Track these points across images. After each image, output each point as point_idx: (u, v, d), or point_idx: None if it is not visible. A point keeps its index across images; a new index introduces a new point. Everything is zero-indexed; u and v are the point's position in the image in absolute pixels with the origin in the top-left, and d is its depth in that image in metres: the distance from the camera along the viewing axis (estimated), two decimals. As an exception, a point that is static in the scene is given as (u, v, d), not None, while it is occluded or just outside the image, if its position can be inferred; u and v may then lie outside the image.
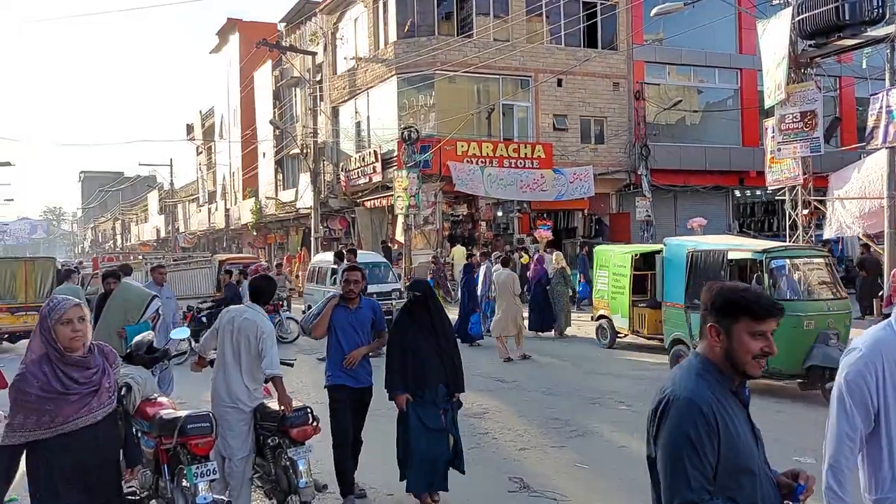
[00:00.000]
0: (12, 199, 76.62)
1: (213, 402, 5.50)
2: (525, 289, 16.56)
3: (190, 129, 55.62)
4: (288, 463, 5.29)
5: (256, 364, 5.39)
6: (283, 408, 5.32)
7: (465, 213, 24.83)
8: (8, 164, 43.38)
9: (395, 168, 23.46)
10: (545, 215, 25.31)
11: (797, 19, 14.67)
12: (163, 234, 58.99)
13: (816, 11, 14.38)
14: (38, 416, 3.38)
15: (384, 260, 18.52)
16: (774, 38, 15.19)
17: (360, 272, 6.17)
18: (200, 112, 53.32)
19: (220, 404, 5.41)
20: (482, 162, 23.35)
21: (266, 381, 5.59)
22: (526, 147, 24.53)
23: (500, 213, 25.33)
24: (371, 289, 14.15)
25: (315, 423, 5.46)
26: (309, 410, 5.47)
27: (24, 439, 3.43)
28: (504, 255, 15.17)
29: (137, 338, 6.27)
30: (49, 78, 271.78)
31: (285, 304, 17.15)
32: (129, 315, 7.97)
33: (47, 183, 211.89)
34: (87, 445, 3.49)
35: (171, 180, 56.87)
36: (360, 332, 5.98)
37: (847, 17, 14.15)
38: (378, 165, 25.08)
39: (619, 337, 13.93)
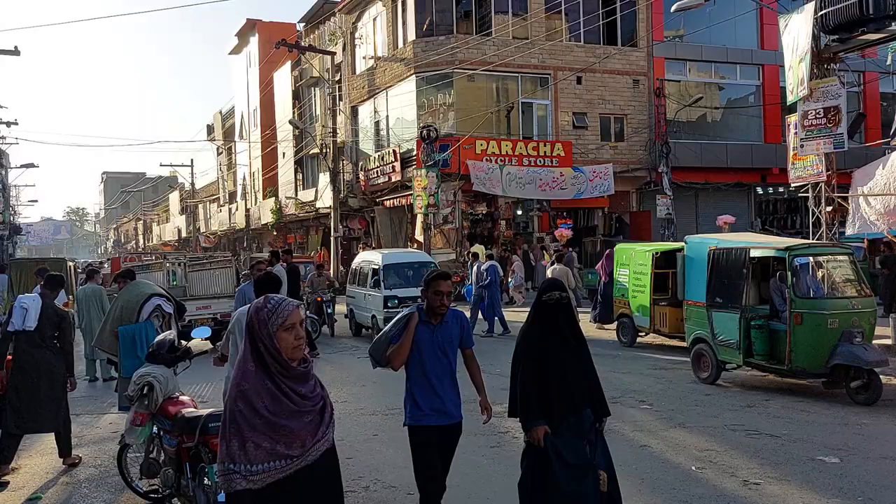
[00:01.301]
0: (36, 201, 77.78)
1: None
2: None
3: (210, 129, 56.02)
4: None
5: None
6: None
7: (484, 212, 24.81)
8: (32, 165, 44.03)
9: (414, 167, 23.48)
10: (565, 214, 25.22)
11: (820, 14, 14.49)
12: (184, 234, 59.47)
13: (840, 5, 14.19)
14: (272, 443, 2.81)
15: (430, 259, 16.88)
16: (797, 33, 15.01)
17: (450, 280, 4.86)
18: (220, 113, 53.68)
19: None
20: (501, 160, 23.31)
21: None
22: (545, 145, 24.45)
23: (519, 212, 25.28)
24: (412, 292, 14.00)
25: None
26: None
27: (263, 481, 2.81)
28: (560, 251, 15.42)
29: (159, 337, 6.33)
30: (72, 80, 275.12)
31: (331, 305, 16.94)
32: (126, 316, 8.07)
33: (70, 184, 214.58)
34: (316, 483, 2.97)
35: (192, 181, 57.43)
36: (448, 353, 4.80)
37: (871, 11, 13.93)
38: (397, 164, 25.11)
39: (640, 335, 13.84)
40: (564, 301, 4.53)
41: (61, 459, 7.38)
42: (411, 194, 23.55)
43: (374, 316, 14.94)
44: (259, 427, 2.78)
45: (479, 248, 22.26)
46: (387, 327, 4.85)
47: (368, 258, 16.48)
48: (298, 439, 2.86)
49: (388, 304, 14.33)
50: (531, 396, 4.47)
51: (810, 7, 14.58)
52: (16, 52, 29.52)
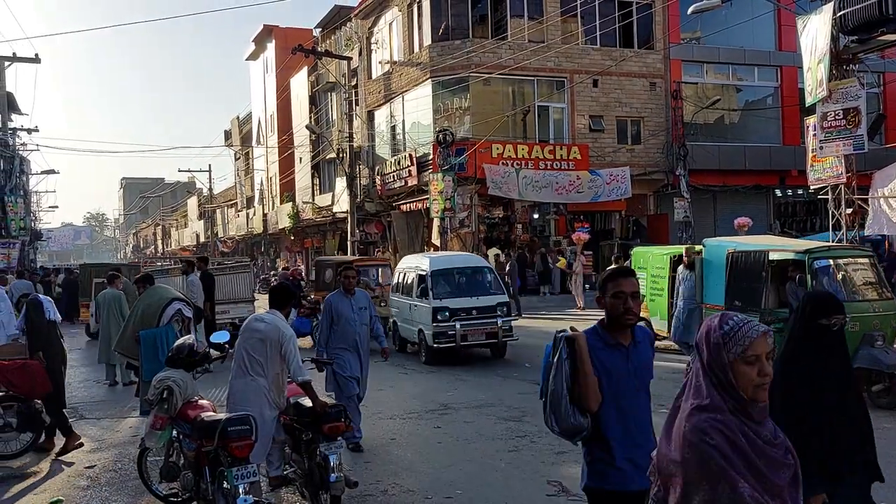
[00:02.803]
0: (57, 206, 78.61)
1: (229, 405, 5.62)
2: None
3: (228, 135, 56.40)
4: (320, 458, 5.37)
5: (282, 367, 5.49)
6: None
7: (500, 216, 24.79)
8: (53, 171, 44.49)
9: (430, 171, 23.51)
10: (582, 217, 25.15)
11: (839, 14, 14.36)
12: (202, 239, 59.89)
13: (859, 6, 14.06)
14: (762, 495, 2.10)
15: (485, 263, 14.78)
16: (815, 34, 14.89)
17: (635, 278, 3.47)
18: (238, 118, 54.04)
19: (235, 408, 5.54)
20: (517, 164, 23.29)
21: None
22: (562, 149, 24.40)
23: (536, 216, 25.23)
24: (465, 303, 12.68)
25: (347, 421, 5.55)
26: (342, 408, 5.56)
27: None
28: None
29: (178, 341, 6.38)
30: (91, 87, 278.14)
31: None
32: (147, 320, 8.20)
33: (90, 190, 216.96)
34: None
35: (210, 186, 57.82)
36: (646, 384, 3.36)
37: (891, 12, 13.77)
38: (413, 169, 25.16)
39: (658, 339, 13.77)
40: (840, 332, 3.48)
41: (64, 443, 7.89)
42: (428, 198, 23.58)
43: (421, 330, 13.14)
44: (745, 470, 2.12)
45: (494, 252, 22.30)
46: (545, 363, 3.31)
47: (413, 263, 14.35)
48: (781, 500, 2.17)
49: (438, 317, 12.50)
50: (814, 453, 3.25)
51: (829, 8, 14.46)
52: (36, 59, 29.93)
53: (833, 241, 14.82)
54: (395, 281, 14.91)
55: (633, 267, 14.67)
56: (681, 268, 12.14)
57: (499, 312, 12.72)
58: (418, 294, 13.22)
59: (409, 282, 13.83)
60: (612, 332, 3.30)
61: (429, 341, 12.63)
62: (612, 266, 4.22)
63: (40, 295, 9.97)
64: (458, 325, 12.39)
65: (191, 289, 13.00)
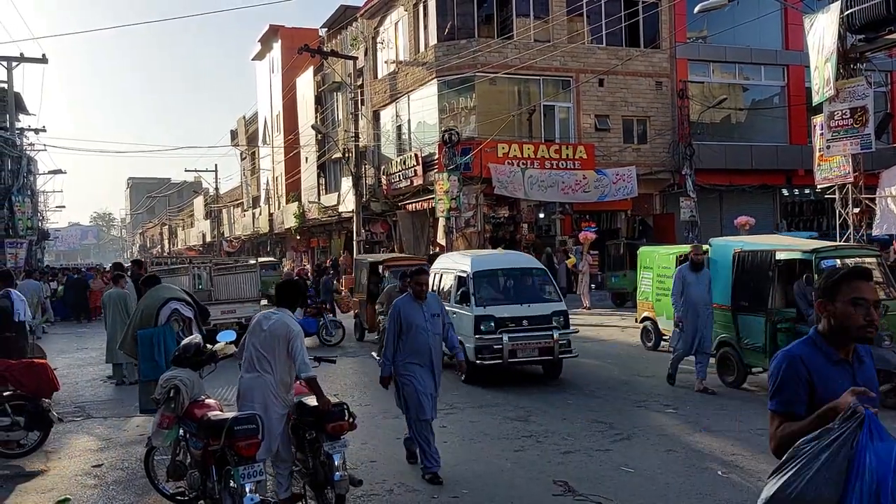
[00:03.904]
0: (64, 206, 78.97)
1: (239, 402, 5.59)
2: None
3: (234, 135, 56.52)
4: (324, 457, 5.38)
5: (289, 365, 5.49)
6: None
7: (506, 216, 24.77)
8: (60, 171, 44.67)
9: (436, 171, 23.51)
10: (588, 217, 25.11)
11: (846, 13, 14.33)
12: (208, 239, 60.04)
13: (866, 4, 14.02)
14: None
15: (538, 264, 12.51)
16: (822, 32, 14.86)
17: (873, 281, 2.94)
18: (244, 118, 54.14)
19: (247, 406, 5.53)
20: (523, 163, 23.27)
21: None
22: (567, 148, 24.37)
23: (541, 215, 25.21)
24: (514, 311, 10.76)
25: (351, 420, 5.53)
26: (345, 406, 5.55)
27: None
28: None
29: (185, 340, 6.40)
30: (97, 87, 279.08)
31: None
32: (145, 321, 8.27)
33: (96, 190, 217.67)
34: None
35: (217, 186, 57.98)
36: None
37: (898, 10, 13.76)
38: (419, 168, 25.16)
39: (664, 339, 13.74)
40: None
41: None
42: (433, 198, 23.58)
43: (460, 342, 9.86)
44: None
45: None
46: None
47: (451, 263, 12.32)
48: None
49: (482, 328, 10.56)
50: None
51: (836, 6, 14.42)
52: (44, 59, 30.02)
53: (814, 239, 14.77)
54: (432, 283, 12.36)
55: (639, 266, 14.67)
56: (683, 269, 10.38)
57: (555, 323, 10.70)
58: (457, 299, 11.23)
59: (446, 285, 11.97)
60: (837, 345, 2.77)
61: (470, 356, 10.22)
62: (846, 267, 3.29)
63: (13, 291, 10.06)
64: (505, 339, 10.41)
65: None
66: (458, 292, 11.29)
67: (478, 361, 10.52)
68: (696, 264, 10.11)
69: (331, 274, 21.19)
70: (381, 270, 15.85)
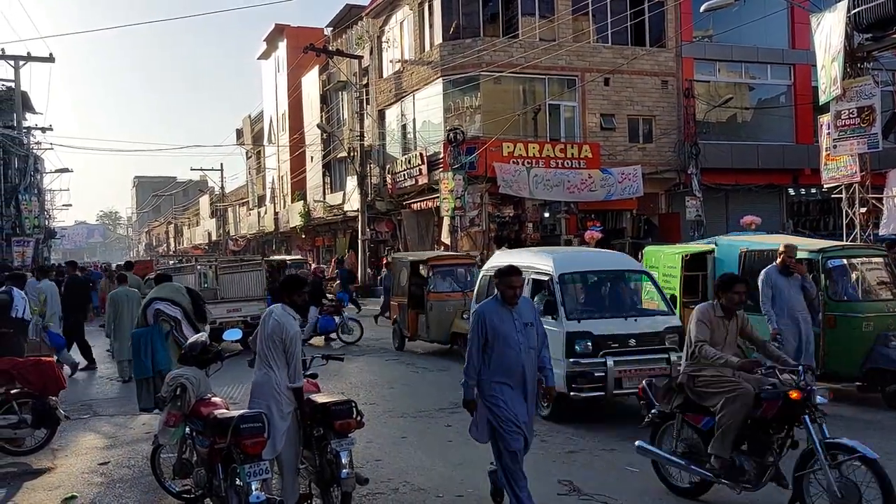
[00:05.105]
0: (70, 205, 79.11)
1: (252, 397, 5.57)
2: None
3: (240, 134, 56.62)
4: (331, 454, 5.38)
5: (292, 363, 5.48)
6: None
7: (511, 215, 24.76)
8: (66, 170, 44.82)
9: (440, 170, 23.51)
10: (593, 216, 25.08)
11: (853, 12, 14.28)
12: (214, 238, 60.16)
13: (873, 3, 13.98)
14: None
15: (637, 265, 10.48)
16: (829, 31, 14.81)
17: None
18: (250, 117, 54.22)
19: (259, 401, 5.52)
20: (528, 163, 23.25)
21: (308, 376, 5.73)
22: (573, 147, 24.34)
23: (546, 215, 25.18)
24: (617, 327, 8.40)
25: (359, 418, 5.53)
26: (353, 404, 5.54)
27: None
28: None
29: (192, 338, 6.43)
30: (103, 86, 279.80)
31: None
32: (140, 321, 8.38)
33: (103, 188, 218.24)
34: None
35: (222, 184, 58.04)
36: None
37: (906, 9, 13.71)
38: (424, 168, 25.16)
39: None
40: None
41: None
42: (438, 197, 23.58)
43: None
44: None
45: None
46: None
47: (519, 263, 7.76)
48: None
49: (577, 349, 8.18)
50: None
51: (843, 5, 14.37)
52: (51, 59, 30.13)
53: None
54: (479, 286, 10.51)
55: (644, 266, 14.63)
56: (770, 272, 8.89)
57: (668, 343, 8.42)
58: (539, 311, 7.91)
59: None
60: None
61: (558, 384, 7.75)
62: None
63: (15, 290, 10.14)
64: (611, 363, 8.11)
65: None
66: (540, 302, 8.70)
67: (572, 394, 8.15)
68: (787, 267, 8.75)
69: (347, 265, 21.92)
70: (424, 270, 14.31)
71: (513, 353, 5.40)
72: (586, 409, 8.71)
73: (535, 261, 9.32)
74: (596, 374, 8.11)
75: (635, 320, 8.57)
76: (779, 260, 8.83)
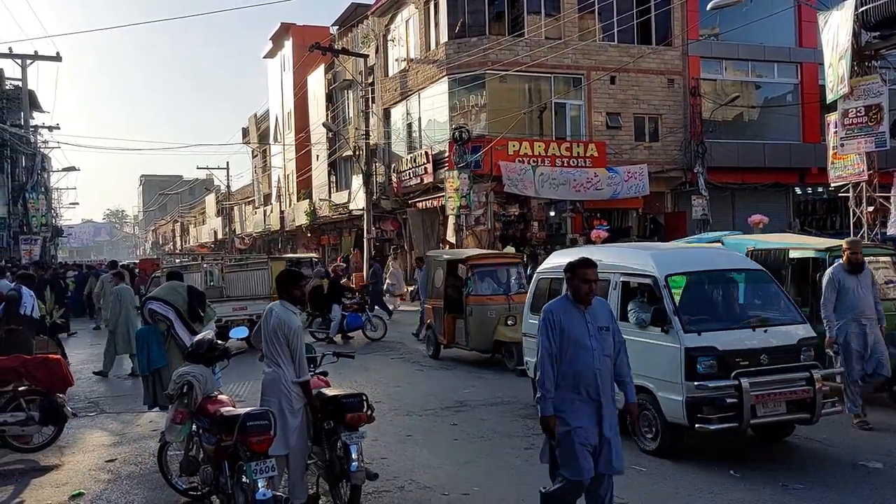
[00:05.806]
0: (77, 203, 79.41)
1: (263, 395, 5.58)
2: None
3: (246, 132, 56.70)
4: (341, 448, 5.37)
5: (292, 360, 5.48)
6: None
7: (516, 214, 24.74)
8: (73, 168, 44.98)
9: (446, 169, 23.50)
10: (599, 215, 25.05)
11: (860, 10, 14.22)
12: (220, 236, 60.28)
13: (881, 1, 13.92)
14: None
15: (754, 264, 8.14)
16: (836, 29, 14.75)
17: None
18: (255, 116, 54.30)
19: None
20: (534, 161, 23.22)
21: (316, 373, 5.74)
22: (578, 146, 24.30)
23: (552, 213, 25.16)
24: (744, 340, 6.79)
25: (370, 412, 5.54)
26: (364, 397, 5.55)
27: None
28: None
29: (198, 336, 6.45)
30: (110, 85, 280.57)
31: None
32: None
33: (109, 187, 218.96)
34: None
35: (228, 183, 58.16)
36: None
37: (914, 7, 13.66)
38: (429, 166, 25.16)
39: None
40: None
41: None
42: (443, 196, 23.57)
43: (649, 391, 6.92)
44: None
45: (510, 250, 22.26)
46: None
47: (601, 260, 6.19)
48: None
49: (699, 368, 6.59)
50: None
51: (850, 3, 14.31)
52: (58, 58, 30.23)
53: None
54: (535, 290, 9.16)
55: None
56: (837, 271, 8.19)
57: (804, 359, 6.90)
58: (638, 319, 7.20)
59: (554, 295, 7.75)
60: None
61: (673, 413, 6.73)
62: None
63: (25, 288, 10.23)
64: (746, 384, 6.47)
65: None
66: (639, 308, 7.32)
67: (697, 425, 6.54)
68: (855, 265, 8.08)
69: (378, 260, 22.20)
70: (462, 271, 12.92)
71: (584, 361, 4.74)
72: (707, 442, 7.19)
73: (627, 259, 7.75)
74: (728, 401, 6.45)
75: (764, 331, 6.93)
76: (843, 258, 8.18)
